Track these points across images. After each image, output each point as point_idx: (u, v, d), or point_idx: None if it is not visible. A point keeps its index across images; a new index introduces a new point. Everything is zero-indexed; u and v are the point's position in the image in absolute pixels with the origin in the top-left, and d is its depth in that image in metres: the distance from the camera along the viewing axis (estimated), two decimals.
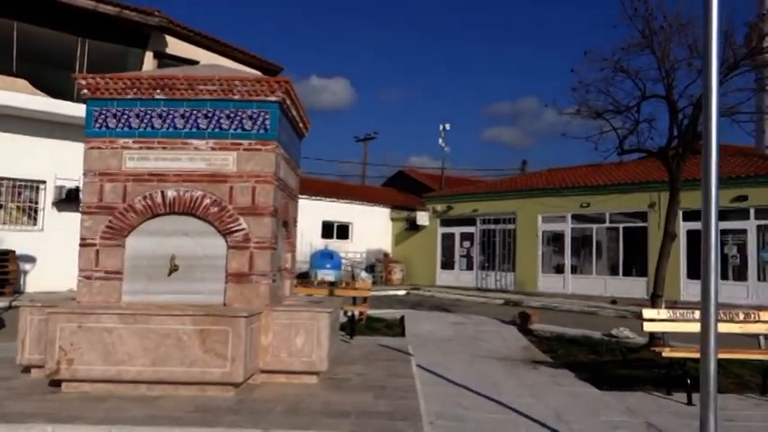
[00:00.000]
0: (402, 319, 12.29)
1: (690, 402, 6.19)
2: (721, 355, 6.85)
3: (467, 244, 24.60)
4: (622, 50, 9.72)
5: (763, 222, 17.24)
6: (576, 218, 21.67)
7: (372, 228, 26.45)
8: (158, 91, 5.99)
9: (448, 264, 25.22)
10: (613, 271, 20.78)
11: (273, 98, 6.07)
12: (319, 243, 23.87)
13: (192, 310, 5.29)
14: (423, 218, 25.42)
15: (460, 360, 8.45)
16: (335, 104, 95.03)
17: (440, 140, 33.63)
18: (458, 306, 17.62)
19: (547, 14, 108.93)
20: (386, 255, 26.14)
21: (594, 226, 21.35)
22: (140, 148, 6.00)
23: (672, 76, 9.36)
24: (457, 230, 25.00)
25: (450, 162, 77.03)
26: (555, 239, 22.48)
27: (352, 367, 6.78)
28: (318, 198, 24.76)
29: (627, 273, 20.21)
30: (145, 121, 6.03)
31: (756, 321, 7.04)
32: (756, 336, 7.12)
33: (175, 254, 5.88)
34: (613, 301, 18.56)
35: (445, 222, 25.38)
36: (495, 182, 29.29)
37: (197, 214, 5.93)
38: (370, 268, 25.35)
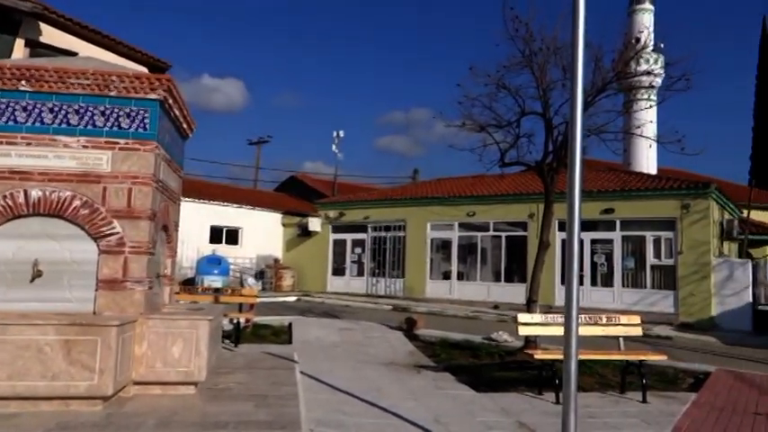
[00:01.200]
0: (290, 325, 12.14)
1: (558, 401, 6.59)
2: (586, 357, 7.42)
3: (358, 250, 24.79)
4: (505, 68, 10.24)
5: (627, 233, 18.78)
6: (462, 226, 22.50)
7: (263, 233, 25.97)
8: (23, 82, 5.55)
9: (339, 270, 25.28)
10: (496, 277, 21.77)
11: (154, 96, 5.80)
12: (207, 248, 23.08)
13: (56, 319, 4.92)
14: (315, 224, 25.32)
15: (346, 366, 8.48)
16: (228, 106, 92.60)
17: (333, 147, 33.75)
18: (348, 312, 17.70)
19: (439, 26, 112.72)
20: (276, 261, 25.74)
21: (480, 234, 22.28)
22: (0, 143, 5.52)
23: (548, 95, 9.99)
24: (348, 237, 25.13)
25: (344, 169, 77.34)
26: (443, 247, 23.21)
27: (234, 376, 6.60)
28: (207, 202, 23.96)
29: (509, 279, 21.25)
30: (7, 114, 5.55)
31: (617, 324, 7.66)
32: (617, 338, 7.70)
33: (39, 259, 5.45)
34: (495, 307, 19.46)
35: (337, 229, 25.43)
36: (386, 189, 29.77)
37: (65, 216, 5.54)
38: (260, 274, 24.86)
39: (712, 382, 8.20)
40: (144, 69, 10.69)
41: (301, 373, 7.29)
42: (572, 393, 4.13)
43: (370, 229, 24.43)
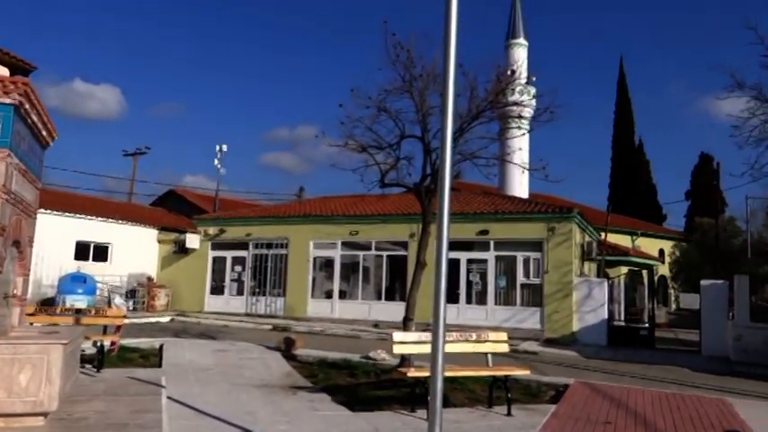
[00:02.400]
0: (161, 347, 11.53)
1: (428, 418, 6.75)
2: (454, 373, 7.69)
3: (238, 268, 24.11)
4: (386, 92, 10.51)
5: (500, 253, 19.81)
6: (345, 245, 22.61)
7: (136, 250, 24.52)
8: None
9: (218, 289, 24.42)
10: (378, 296, 22.06)
11: (8, 100, 5.35)
12: (71, 265, 21.38)
13: None
14: (193, 240, 24.32)
15: (219, 390, 8.17)
16: (104, 114, 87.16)
17: (216, 161, 32.75)
18: (225, 333, 17.11)
19: (327, 45, 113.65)
20: (150, 279, 24.39)
21: (362, 253, 22.50)
22: None
23: (427, 119, 10.36)
24: (229, 254, 24.39)
25: (226, 184, 75.37)
26: (326, 265, 23.18)
27: (93, 404, 6.15)
28: (73, 215, 22.23)
29: (390, 298, 21.59)
30: None
31: (485, 341, 8.01)
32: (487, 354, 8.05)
33: None
34: (376, 325, 19.67)
35: (217, 246, 24.60)
36: (269, 206, 29.32)
37: None
38: (131, 293, 23.42)
39: (570, 394, 8.79)
40: (5, 71, 9.78)
41: (168, 398, 6.93)
42: (437, 410, 4.26)
43: (251, 247, 23.87)
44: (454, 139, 10.69)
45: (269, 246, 23.53)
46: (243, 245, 24.03)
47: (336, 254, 22.58)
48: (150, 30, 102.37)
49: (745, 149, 24.13)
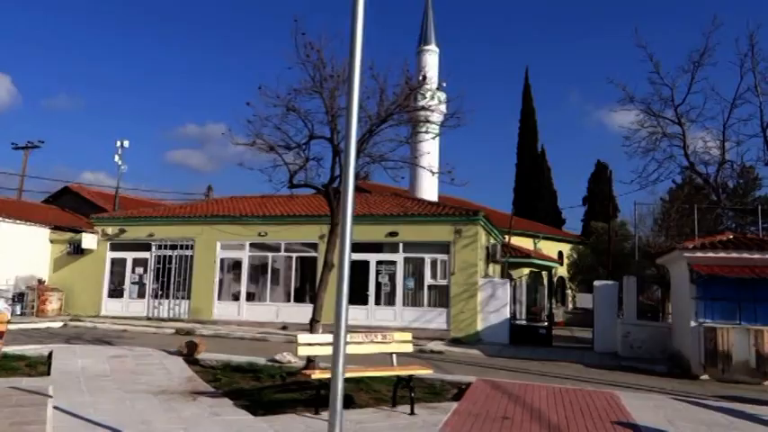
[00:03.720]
0: (50, 355, 10.80)
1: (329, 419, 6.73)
2: (360, 374, 7.73)
3: (140, 270, 23.03)
4: (295, 91, 10.41)
5: (409, 255, 20.12)
6: (254, 246, 22.17)
7: (25, 250, 22.81)
8: None
9: (117, 292, 23.19)
10: (287, 298, 21.79)
11: None
12: None
13: None
14: (90, 241, 22.97)
15: (113, 398, 7.75)
16: None
17: (116, 157, 31.13)
18: (123, 338, 16.29)
19: (236, 42, 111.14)
20: (40, 281, 22.79)
21: (271, 254, 22.14)
22: None
23: (336, 121, 10.34)
24: (129, 255, 23.24)
25: (129, 182, 71.99)
26: (234, 267, 22.62)
27: None
28: None
29: (299, 299, 21.37)
30: None
31: (391, 342, 8.09)
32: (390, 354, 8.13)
33: None
34: (284, 327, 19.41)
35: (116, 246, 23.37)
36: (174, 206, 28.21)
37: None
38: (19, 297, 21.76)
39: (472, 392, 9.06)
40: None
41: (55, 408, 6.51)
42: (338, 411, 4.26)
43: (154, 248, 22.87)
44: (363, 141, 10.80)
45: (173, 247, 22.65)
46: (145, 246, 22.98)
47: (244, 255, 22.09)
48: (44, 17, 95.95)
49: (634, 159, 25.98)
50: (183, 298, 22.17)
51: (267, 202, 23.29)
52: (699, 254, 13.66)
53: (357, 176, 11.71)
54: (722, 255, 13.49)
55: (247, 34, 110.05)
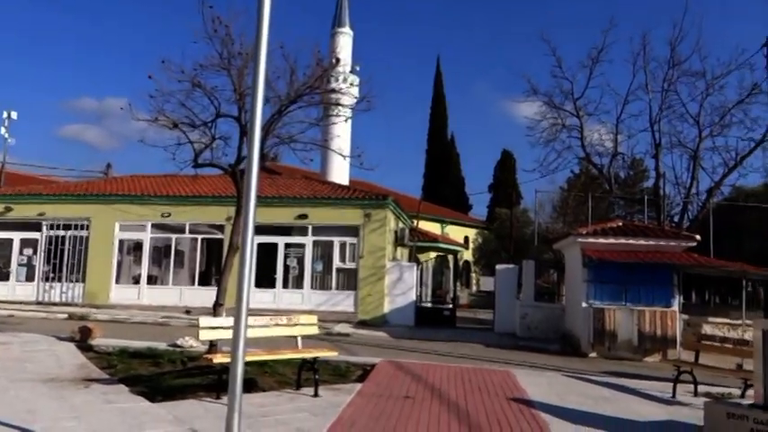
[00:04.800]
0: None
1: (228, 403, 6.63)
2: (264, 357, 7.67)
3: (28, 251, 21.50)
4: (201, 67, 10.02)
5: (318, 238, 20.05)
6: (156, 227, 21.30)
7: None
8: None
9: (2, 274, 21.55)
10: (192, 281, 21.15)
11: None
12: None
13: None
14: None
15: None
16: None
17: (2, 130, 28.78)
18: (9, 323, 15.16)
19: (139, 12, 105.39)
20: None
21: (175, 236, 21.36)
22: None
23: (244, 99, 10.06)
24: (16, 236, 21.62)
25: (17, 156, 66.78)
26: (134, 248, 21.63)
27: None
28: None
29: (204, 282, 20.79)
30: None
31: (296, 324, 8.06)
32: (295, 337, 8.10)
33: None
34: (188, 311, 18.85)
35: (1, 226, 21.68)
36: (69, 184, 26.49)
37: None
38: None
39: (376, 373, 9.21)
40: None
41: None
42: (237, 394, 4.20)
43: (45, 228, 21.41)
44: (272, 122, 10.60)
45: (67, 227, 21.29)
46: (35, 225, 21.46)
47: (146, 236, 21.18)
48: None
49: (536, 148, 27.20)
50: (77, 281, 20.95)
51: (171, 181, 22.39)
52: (591, 240, 14.54)
53: (266, 158, 11.56)
54: (611, 241, 14.45)
55: (149, 2, 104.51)
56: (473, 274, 39.44)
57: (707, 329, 14.14)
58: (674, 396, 8.51)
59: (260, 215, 17.92)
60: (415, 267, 19.87)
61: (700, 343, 9.62)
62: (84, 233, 21.20)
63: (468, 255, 38.81)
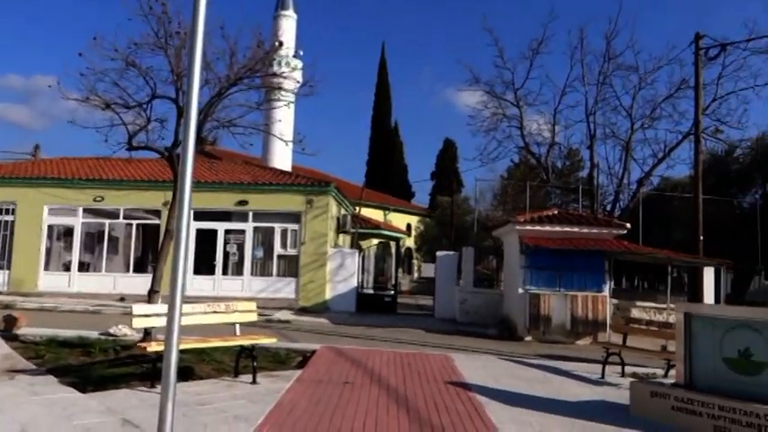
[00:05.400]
0: None
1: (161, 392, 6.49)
2: (201, 344, 7.52)
3: None
4: (136, 46, 9.67)
5: (259, 224, 19.77)
6: (89, 212, 20.48)
7: None
8: None
9: None
10: (126, 268, 20.47)
11: None
12: None
13: None
14: None
15: None
16: None
17: None
18: None
19: None
20: None
21: (108, 221, 20.61)
22: None
23: (181, 81, 9.77)
24: None
25: None
26: (65, 234, 20.74)
27: None
28: None
29: (140, 269, 20.16)
30: None
31: (234, 311, 7.94)
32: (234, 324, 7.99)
33: None
34: (122, 299, 18.27)
35: None
36: None
37: None
38: None
39: (316, 359, 9.21)
40: None
41: None
42: (171, 383, 4.10)
43: None
44: (211, 105, 10.35)
45: None
46: None
47: (77, 221, 20.33)
48: None
49: (477, 137, 27.63)
50: (1, 268, 19.93)
51: (104, 164, 21.54)
52: (528, 227, 14.93)
53: (204, 141, 11.29)
54: (547, 228, 14.88)
55: None
56: (415, 261, 39.86)
57: (635, 313, 14.83)
58: (603, 377, 8.89)
59: (199, 201, 17.92)
60: (357, 254, 19.90)
61: (627, 326, 10.07)
62: (9, 218, 20.17)
63: (410, 242, 39.18)
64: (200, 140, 10.18)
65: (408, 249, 39.26)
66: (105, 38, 9.68)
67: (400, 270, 33.51)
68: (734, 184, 25.83)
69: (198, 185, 19.27)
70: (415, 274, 38.02)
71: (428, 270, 32.82)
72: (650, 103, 24.17)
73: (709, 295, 16.78)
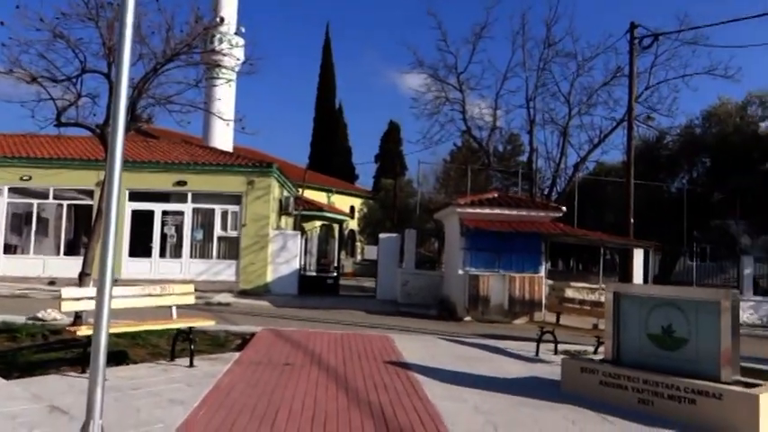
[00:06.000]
0: None
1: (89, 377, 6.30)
2: (135, 328, 7.33)
3: None
4: (64, 16, 9.18)
5: (198, 206, 19.31)
6: (15, 191, 19.48)
7: None
8: None
9: None
10: (57, 250, 19.64)
11: None
12: None
13: None
14: None
15: None
16: None
17: None
18: None
19: None
20: None
21: (37, 201, 19.68)
22: None
23: (114, 55, 9.34)
24: None
25: None
26: None
27: None
28: None
29: (71, 252, 19.38)
30: None
31: (170, 294, 7.75)
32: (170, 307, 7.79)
33: None
34: (52, 282, 17.56)
35: None
36: None
37: None
38: None
39: (256, 341, 9.13)
40: None
41: None
42: (99, 367, 3.96)
43: None
44: (146, 81, 9.96)
45: None
46: None
47: (2, 202, 19.31)
48: None
49: (421, 120, 27.82)
50: None
51: (31, 141, 20.48)
52: (468, 210, 15.19)
53: (139, 119, 10.85)
54: (487, 211, 15.18)
55: None
56: (358, 244, 39.93)
57: (569, 293, 15.37)
58: (537, 354, 9.19)
59: (135, 181, 17.35)
60: (300, 236, 19.75)
61: (561, 305, 10.44)
62: None
63: (353, 224, 39.18)
64: (134, 118, 9.79)
65: (352, 232, 39.28)
66: (30, 6, 9.14)
67: (343, 252, 33.51)
68: (663, 169, 26.96)
69: (133, 165, 18.66)
70: (359, 257, 38.10)
71: (371, 252, 32.97)
72: (587, 89, 24.92)
73: (638, 276, 17.56)
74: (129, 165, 18.75)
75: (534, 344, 9.48)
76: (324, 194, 36.38)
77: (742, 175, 24.35)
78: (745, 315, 17.62)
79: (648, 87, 23.58)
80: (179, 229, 19.13)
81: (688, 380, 5.71)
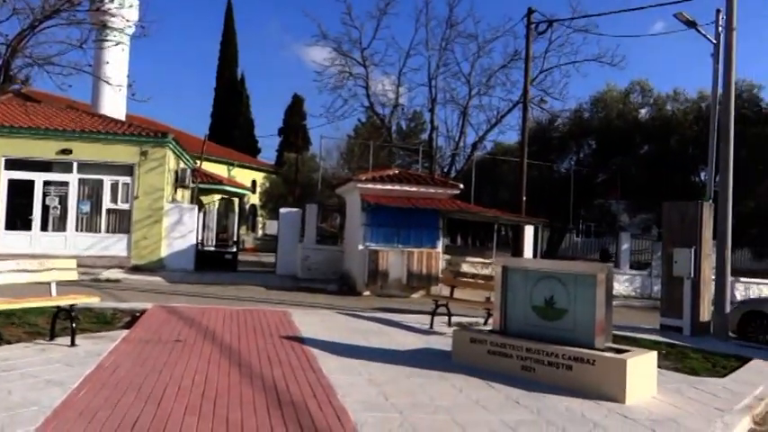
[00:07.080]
0: None
1: None
2: (9, 306, 6.82)
3: None
4: None
5: (85, 176, 18.09)
6: None
7: None
8: None
9: None
10: None
11: None
12: None
13: None
14: None
15: None
16: None
17: None
18: None
19: None
20: None
21: None
22: None
23: None
24: None
25: None
26: None
27: None
28: None
29: None
30: None
31: (50, 269, 7.26)
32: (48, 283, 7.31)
33: None
34: None
35: None
36: None
37: None
38: None
39: (146, 318, 8.77)
40: None
41: None
42: None
43: None
44: (22, 38, 9.16)
45: None
46: None
47: None
48: None
49: (324, 94, 27.54)
50: None
51: None
52: (369, 185, 15.31)
53: (14, 80, 9.97)
54: (388, 187, 15.37)
55: None
56: (260, 218, 39.24)
57: (464, 268, 15.93)
58: (431, 327, 9.49)
59: (12, 148, 16.12)
60: (197, 210, 19.08)
61: (456, 279, 10.81)
62: None
63: (255, 199, 38.40)
64: (8, 78, 8.99)
65: (253, 206, 38.50)
66: None
67: (244, 227, 32.82)
68: (554, 150, 28.46)
69: (10, 131, 17.20)
70: (260, 232, 37.49)
71: (273, 227, 32.54)
72: (487, 71, 25.68)
73: (528, 251, 18.52)
74: (4, 130, 17.27)
75: (429, 317, 9.78)
76: (224, 167, 35.29)
77: (623, 157, 26.21)
78: (622, 288, 19.12)
79: (543, 71, 24.66)
80: (63, 200, 17.86)
81: (566, 347, 6.12)
